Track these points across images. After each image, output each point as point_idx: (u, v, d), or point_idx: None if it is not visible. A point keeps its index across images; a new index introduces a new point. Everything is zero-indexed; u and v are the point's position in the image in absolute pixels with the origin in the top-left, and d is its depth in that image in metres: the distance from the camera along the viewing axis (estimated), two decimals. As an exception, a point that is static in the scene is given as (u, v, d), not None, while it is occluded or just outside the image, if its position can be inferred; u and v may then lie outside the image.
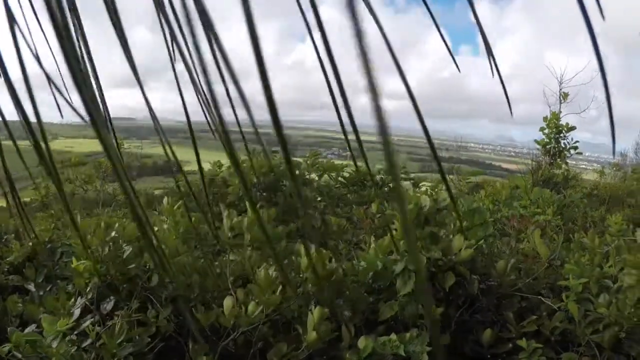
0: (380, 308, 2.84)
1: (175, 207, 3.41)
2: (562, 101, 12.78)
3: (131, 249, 2.90)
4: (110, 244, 2.91)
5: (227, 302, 2.61)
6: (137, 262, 2.90)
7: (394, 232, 2.89)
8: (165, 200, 3.43)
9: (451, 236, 2.90)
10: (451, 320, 2.89)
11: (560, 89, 12.93)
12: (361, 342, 2.44)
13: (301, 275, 2.79)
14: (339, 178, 7.28)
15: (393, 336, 2.47)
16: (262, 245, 3.09)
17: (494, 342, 2.95)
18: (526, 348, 2.77)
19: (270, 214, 3.38)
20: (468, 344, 2.98)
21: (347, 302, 2.80)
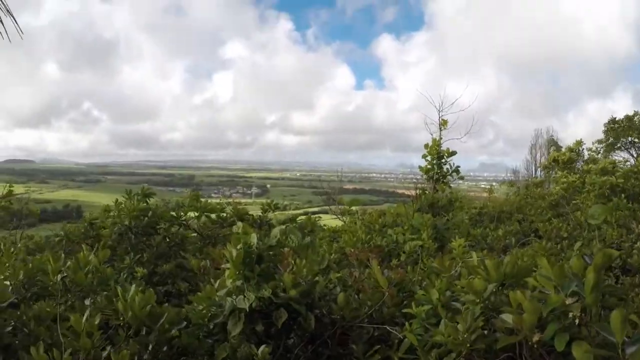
0: (216, 350, 2.77)
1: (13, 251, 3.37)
2: (442, 128, 13.45)
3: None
4: None
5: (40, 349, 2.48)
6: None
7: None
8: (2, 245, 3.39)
9: (285, 273, 2.88)
10: (291, 356, 2.85)
11: (440, 117, 13.62)
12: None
13: (121, 318, 2.72)
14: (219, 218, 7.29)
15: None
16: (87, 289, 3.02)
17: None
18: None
19: (104, 254, 3.32)
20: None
21: (179, 346, 2.73)
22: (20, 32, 3.09)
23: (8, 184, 8.58)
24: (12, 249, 4.03)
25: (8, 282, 3.46)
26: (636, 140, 27.52)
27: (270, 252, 2.97)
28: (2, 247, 3.67)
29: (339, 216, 10.60)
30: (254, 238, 2.89)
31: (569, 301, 2.12)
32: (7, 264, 3.59)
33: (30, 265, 3.61)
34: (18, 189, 8.95)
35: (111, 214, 6.88)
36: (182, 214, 7.09)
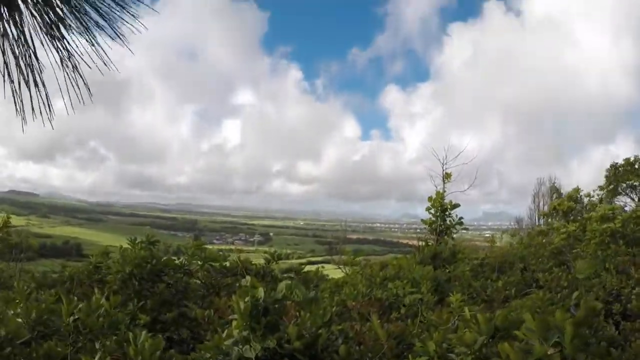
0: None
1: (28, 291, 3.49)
2: (446, 181, 13.68)
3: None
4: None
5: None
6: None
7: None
8: (16, 283, 3.51)
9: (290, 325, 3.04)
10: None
11: (443, 170, 13.86)
12: None
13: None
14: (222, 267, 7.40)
15: None
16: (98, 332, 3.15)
17: None
18: None
19: (116, 300, 3.46)
20: None
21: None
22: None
23: (7, 214, 8.68)
24: (26, 288, 4.14)
25: (20, 320, 3.55)
26: (636, 183, 27.61)
27: (276, 305, 3.14)
28: (15, 284, 3.80)
29: (341, 267, 10.72)
30: (261, 292, 3.07)
31: (550, 351, 2.31)
32: (18, 301, 3.70)
33: (44, 305, 3.71)
34: (19, 221, 9.11)
35: (115, 257, 7.02)
36: (185, 262, 7.24)
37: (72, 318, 3.43)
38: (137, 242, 7.02)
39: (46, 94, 2.08)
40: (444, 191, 13.49)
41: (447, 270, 9.94)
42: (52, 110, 2.09)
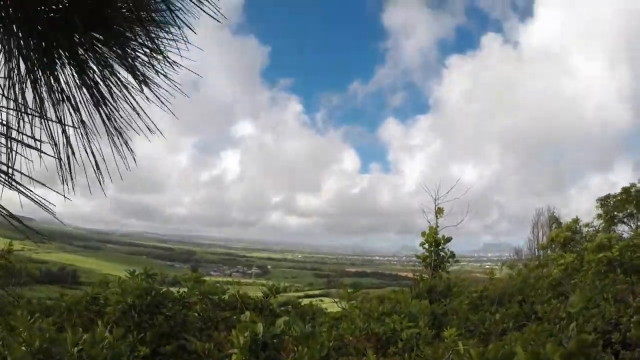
0: None
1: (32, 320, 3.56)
2: (438, 217, 13.83)
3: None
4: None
5: None
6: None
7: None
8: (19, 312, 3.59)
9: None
10: None
11: (436, 205, 14.02)
12: None
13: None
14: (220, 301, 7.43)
15: None
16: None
17: None
18: None
19: (118, 332, 3.55)
20: None
21: None
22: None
23: (10, 240, 8.73)
24: (29, 316, 4.20)
25: (24, 348, 3.55)
26: (634, 210, 27.63)
27: (275, 340, 3.24)
28: (19, 313, 3.88)
29: (338, 301, 10.74)
30: (260, 327, 3.17)
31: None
32: (22, 330, 3.73)
33: (47, 334, 3.78)
34: (15, 246, 9.12)
35: (113, 289, 7.08)
36: (184, 294, 7.30)
37: (76, 349, 3.50)
38: (136, 274, 7.11)
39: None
40: (437, 226, 13.63)
41: (444, 304, 10.00)
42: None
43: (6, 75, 1.55)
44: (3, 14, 1.43)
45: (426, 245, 12.89)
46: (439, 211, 13.74)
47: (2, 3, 1.43)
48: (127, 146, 1.81)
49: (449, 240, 12.84)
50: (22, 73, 1.60)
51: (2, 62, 1.57)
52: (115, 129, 1.84)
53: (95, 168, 1.82)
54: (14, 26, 1.46)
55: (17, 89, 1.60)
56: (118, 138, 1.82)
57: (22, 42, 1.51)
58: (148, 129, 1.82)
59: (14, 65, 1.56)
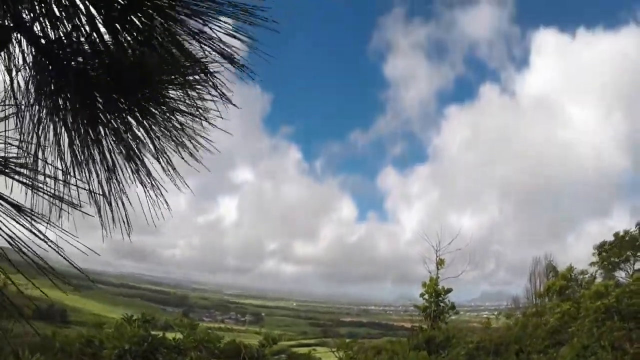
0: None
1: None
2: (439, 267, 13.90)
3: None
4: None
5: None
6: None
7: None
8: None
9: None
10: None
11: (437, 257, 14.10)
12: None
13: None
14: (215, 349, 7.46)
15: None
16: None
17: None
18: None
19: None
20: None
21: None
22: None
23: (7, 275, 8.75)
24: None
25: None
26: (630, 254, 27.55)
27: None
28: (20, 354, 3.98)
29: (335, 350, 10.70)
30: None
31: None
32: None
33: None
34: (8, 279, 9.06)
35: (108, 332, 7.13)
36: (180, 342, 7.36)
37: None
38: (133, 318, 7.18)
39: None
40: (438, 277, 13.71)
41: (442, 355, 10.00)
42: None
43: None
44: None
45: (426, 296, 12.94)
46: (440, 262, 13.84)
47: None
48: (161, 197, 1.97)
49: (449, 291, 12.93)
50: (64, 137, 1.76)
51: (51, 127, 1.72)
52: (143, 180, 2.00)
53: (97, 212, 1.94)
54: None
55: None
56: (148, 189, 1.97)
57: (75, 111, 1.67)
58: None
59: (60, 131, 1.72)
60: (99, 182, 1.87)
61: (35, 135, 1.73)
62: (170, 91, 1.76)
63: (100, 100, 1.66)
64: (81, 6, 1.37)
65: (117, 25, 1.41)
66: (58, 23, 1.46)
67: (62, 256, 1.51)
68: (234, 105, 1.83)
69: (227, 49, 1.57)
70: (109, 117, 1.69)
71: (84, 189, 1.81)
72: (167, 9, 1.42)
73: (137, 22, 1.41)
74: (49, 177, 1.66)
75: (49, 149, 1.75)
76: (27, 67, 1.62)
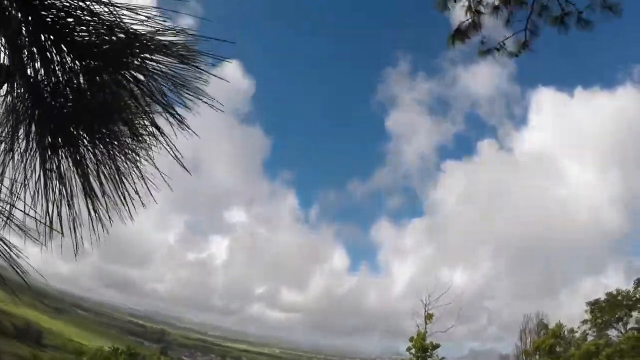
0: None
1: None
2: (428, 322, 13.54)
3: None
4: None
5: None
6: None
7: None
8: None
9: None
10: None
11: (426, 311, 13.76)
12: None
13: None
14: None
15: None
16: None
17: None
18: None
19: None
20: None
21: None
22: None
23: None
24: None
25: None
26: (623, 314, 27.12)
27: None
28: None
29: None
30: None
31: None
32: None
33: None
34: None
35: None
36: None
37: None
38: (119, 351, 6.81)
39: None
40: (426, 331, 13.31)
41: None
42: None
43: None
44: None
45: (413, 350, 12.49)
46: (428, 317, 13.47)
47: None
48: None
49: (437, 347, 12.53)
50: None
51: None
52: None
53: (80, 236, 2.03)
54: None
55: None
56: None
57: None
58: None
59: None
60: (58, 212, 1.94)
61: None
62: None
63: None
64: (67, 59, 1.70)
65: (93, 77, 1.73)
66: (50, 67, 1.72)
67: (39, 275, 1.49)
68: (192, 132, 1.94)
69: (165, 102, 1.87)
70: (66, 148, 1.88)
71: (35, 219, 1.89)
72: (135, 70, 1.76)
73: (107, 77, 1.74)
74: (6, 202, 1.77)
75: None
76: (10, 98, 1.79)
